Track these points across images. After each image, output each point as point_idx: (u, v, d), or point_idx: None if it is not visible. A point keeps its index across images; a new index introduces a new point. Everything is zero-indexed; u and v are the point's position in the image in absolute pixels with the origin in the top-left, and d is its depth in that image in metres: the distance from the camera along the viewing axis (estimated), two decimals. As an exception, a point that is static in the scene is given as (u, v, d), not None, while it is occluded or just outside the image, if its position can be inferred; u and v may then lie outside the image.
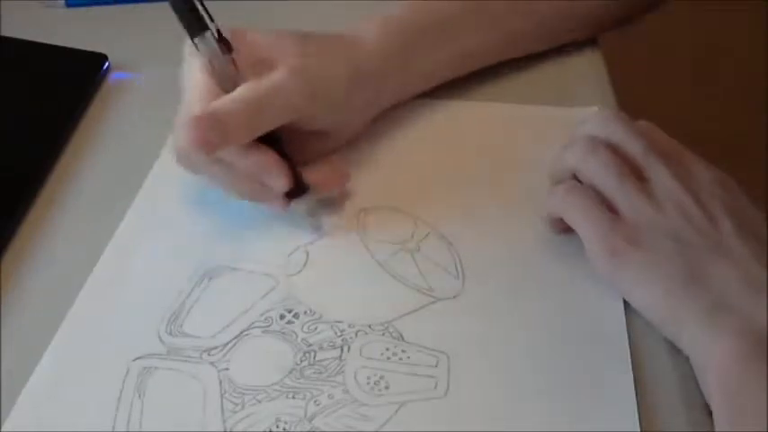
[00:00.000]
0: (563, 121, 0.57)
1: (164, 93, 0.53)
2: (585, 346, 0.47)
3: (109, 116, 0.61)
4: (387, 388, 0.46)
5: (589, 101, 0.59)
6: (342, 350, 0.47)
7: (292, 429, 0.44)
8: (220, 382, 0.46)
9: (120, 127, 0.61)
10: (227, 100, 0.49)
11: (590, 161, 0.49)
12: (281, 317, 0.49)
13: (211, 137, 0.47)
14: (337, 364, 0.47)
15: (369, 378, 0.46)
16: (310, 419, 0.45)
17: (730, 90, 1.35)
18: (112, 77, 0.63)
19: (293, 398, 0.45)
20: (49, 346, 0.48)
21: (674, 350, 0.46)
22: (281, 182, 0.50)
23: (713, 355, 0.43)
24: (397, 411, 0.45)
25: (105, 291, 0.50)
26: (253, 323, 0.49)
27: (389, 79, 0.57)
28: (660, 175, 0.48)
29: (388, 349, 0.47)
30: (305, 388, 0.46)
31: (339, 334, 0.48)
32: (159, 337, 0.48)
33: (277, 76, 0.50)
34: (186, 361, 0.47)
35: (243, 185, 0.51)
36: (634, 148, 0.49)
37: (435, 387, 0.46)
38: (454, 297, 0.50)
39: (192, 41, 0.50)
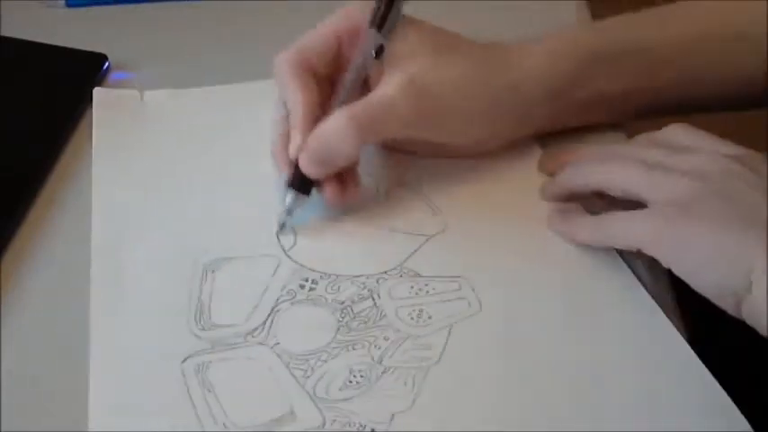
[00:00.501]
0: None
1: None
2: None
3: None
4: (430, 317, 0.49)
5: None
6: (373, 298, 0.50)
7: (368, 374, 0.46)
8: (279, 356, 0.47)
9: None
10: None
11: (610, 165, 0.49)
12: (302, 287, 0.51)
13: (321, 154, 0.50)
14: (376, 311, 0.50)
15: (410, 314, 0.49)
16: (380, 361, 0.47)
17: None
18: (112, 77, 0.62)
19: (354, 349, 0.48)
20: (90, 375, 0.46)
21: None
22: (294, 145, 0.51)
23: None
24: (450, 334, 0.49)
25: (115, 304, 0.49)
26: (278, 299, 0.50)
27: (532, 110, 0.54)
28: (690, 159, 0.48)
29: (412, 287, 0.51)
30: (359, 338, 0.48)
31: (363, 286, 0.51)
32: (195, 335, 0.48)
33: (390, 92, 0.50)
34: (235, 348, 0.48)
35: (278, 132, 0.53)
36: (654, 154, 0.49)
37: (470, 305, 0.50)
38: (443, 231, 0.54)
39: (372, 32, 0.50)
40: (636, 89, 0.56)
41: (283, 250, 0.52)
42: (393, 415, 0.45)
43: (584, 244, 0.51)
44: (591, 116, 0.57)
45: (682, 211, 0.45)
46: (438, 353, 0.48)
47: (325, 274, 0.51)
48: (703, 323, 0.51)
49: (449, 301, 0.50)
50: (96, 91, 0.60)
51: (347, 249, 0.53)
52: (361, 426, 0.44)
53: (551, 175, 0.55)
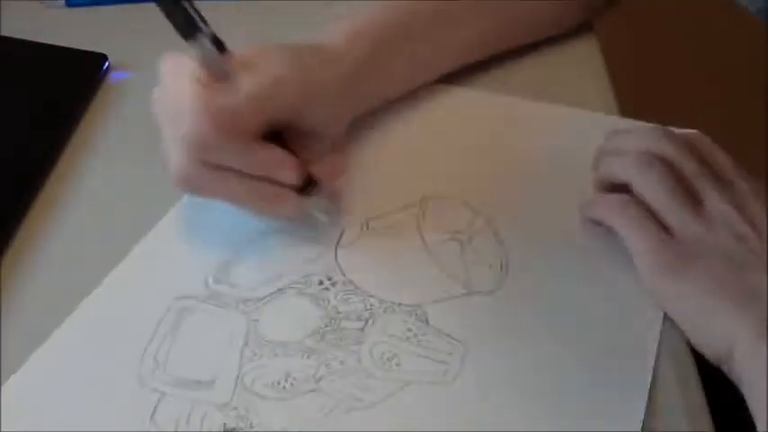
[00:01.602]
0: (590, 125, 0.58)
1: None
2: (609, 360, 0.46)
3: (109, 116, 0.62)
4: (398, 365, 0.47)
5: (586, 90, 0.61)
6: (366, 323, 0.49)
7: (298, 386, 0.46)
8: (247, 332, 0.49)
9: (119, 127, 0.61)
10: (231, 92, 0.49)
11: (646, 176, 0.50)
12: (320, 282, 0.51)
13: (224, 122, 0.48)
14: (358, 334, 0.48)
15: (383, 353, 0.47)
16: (317, 380, 0.46)
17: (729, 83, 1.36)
18: (112, 77, 0.63)
19: (308, 358, 0.47)
20: (106, 278, 0.52)
21: (675, 351, 0.47)
22: (294, 174, 0.50)
23: (764, 371, 0.43)
24: (401, 389, 0.46)
25: (162, 237, 0.54)
26: (291, 283, 0.51)
27: (363, 84, 0.56)
28: (712, 198, 0.49)
29: (410, 330, 0.48)
30: (321, 351, 0.48)
31: (368, 308, 0.49)
32: (205, 282, 0.51)
33: (275, 70, 0.50)
34: (221, 307, 0.50)
35: (254, 192, 0.50)
36: (688, 167, 0.50)
37: (445, 373, 0.46)
38: (490, 292, 0.50)
39: (188, 43, 0.48)
40: (447, 47, 0.60)
41: (336, 242, 0.53)
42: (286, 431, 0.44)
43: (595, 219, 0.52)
44: (419, 77, 0.61)
45: (684, 265, 0.47)
46: (373, 400, 0.45)
47: (349, 281, 0.51)
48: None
49: (428, 359, 0.47)
50: None
51: (391, 269, 0.51)
52: (251, 425, 0.45)
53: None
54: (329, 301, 0.50)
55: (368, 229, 0.54)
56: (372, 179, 0.56)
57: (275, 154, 0.50)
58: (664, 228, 0.49)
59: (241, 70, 0.49)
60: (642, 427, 0.44)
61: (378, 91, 0.59)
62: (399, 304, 0.50)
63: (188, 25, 0.47)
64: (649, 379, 0.46)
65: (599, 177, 0.53)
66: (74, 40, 0.64)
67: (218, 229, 0.54)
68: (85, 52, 0.64)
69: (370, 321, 0.49)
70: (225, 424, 0.45)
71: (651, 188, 0.50)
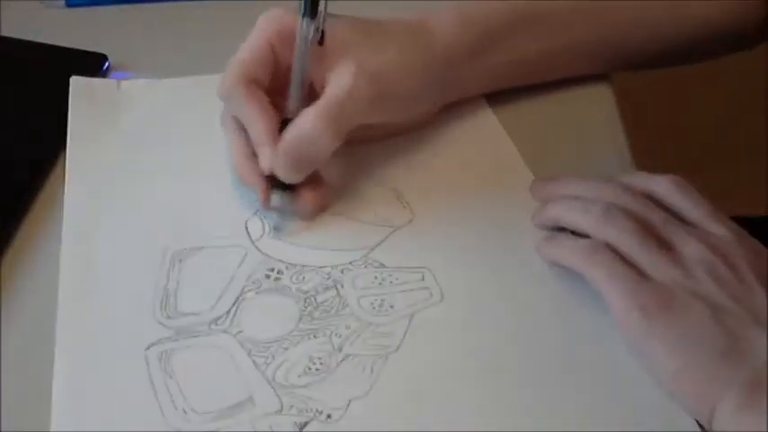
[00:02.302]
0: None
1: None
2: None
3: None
4: (392, 307, 0.50)
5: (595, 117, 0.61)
6: (336, 288, 0.51)
7: (327, 362, 0.47)
8: (241, 344, 0.48)
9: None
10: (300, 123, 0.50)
11: (608, 228, 0.48)
12: (267, 276, 0.51)
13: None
14: (339, 300, 0.50)
15: (372, 303, 0.50)
16: (339, 349, 0.48)
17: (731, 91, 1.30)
18: (112, 77, 0.62)
19: (315, 337, 0.49)
20: (56, 359, 0.47)
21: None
22: (266, 160, 0.51)
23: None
24: (410, 323, 0.49)
25: (83, 290, 0.50)
26: (243, 288, 0.51)
27: (464, 73, 0.56)
28: (685, 242, 0.47)
29: (376, 277, 0.52)
30: (321, 327, 0.49)
31: (327, 276, 0.52)
32: (160, 323, 0.49)
33: (346, 82, 0.51)
34: (198, 336, 0.49)
35: (242, 153, 0.52)
36: (655, 217, 0.48)
37: (431, 295, 0.51)
38: (410, 222, 0.55)
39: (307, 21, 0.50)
40: (550, 49, 0.58)
41: (251, 241, 0.53)
42: (350, 401, 0.46)
43: (569, 268, 0.50)
44: (512, 78, 0.59)
45: (660, 308, 0.45)
46: (398, 341, 0.49)
47: (291, 264, 0.52)
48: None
49: (411, 290, 0.51)
50: (73, 79, 0.60)
51: (313, 240, 0.54)
52: (317, 411, 0.45)
53: (542, 201, 0.54)
54: (290, 288, 0.51)
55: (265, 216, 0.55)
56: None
57: (264, 129, 0.51)
58: (638, 272, 0.46)
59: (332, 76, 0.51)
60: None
61: (462, 86, 0.58)
62: (350, 262, 0.52)
63: (313, 5, 0.49)
64: None
65: (550, 218, 0.52)
66: (74, 40, 0.63)
67: (129, 268, 0.52)
68: (85, 52, 0.63)
69: (339, 286, 0.51)
70: (295, 422, 0.45)
71: (620, 235, 0.47)
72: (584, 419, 0.46)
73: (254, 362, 0.47)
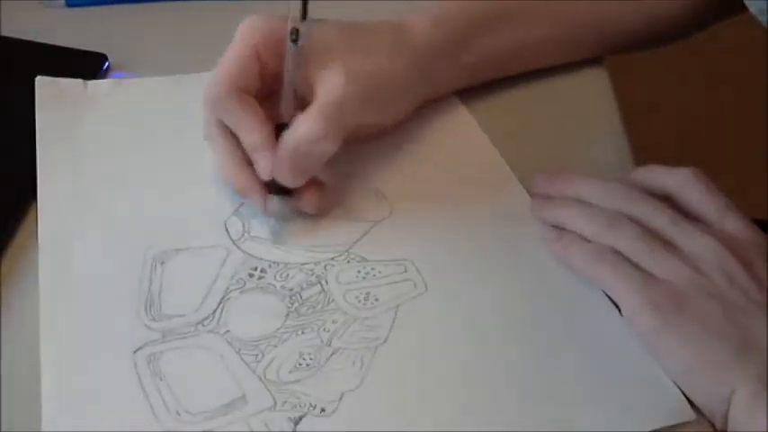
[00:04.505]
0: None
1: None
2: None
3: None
4: (377, 299, 0.51)
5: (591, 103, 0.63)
6: (321, 284, 0.51)
7: (317, 357, 0.48)
8: (230, 343, 0.48)
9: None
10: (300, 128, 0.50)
11: (613, 235, 0.49)
12: (251, 275, 0.52)
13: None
14: (324, 296, 0.51)
15: (357, 297, 0.51)
16: (328, 344, 0.48)
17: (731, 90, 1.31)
18: (112, 77, 0.62)
19: (303, 333, 0.49)
20: (42, 364, 0.46)
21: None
22: (265, 166, 0.51)
23: (763, 427, 0.42)
24: (396, 314, 0.50)
25: (65, 297, 0.50)
26: (228, 288, 0.51)
27: (439, 71, 0.58)
28: (694, 239, 0.47)
29: (359, 272, 0.52)
30: (308, 323, 0.49)
31: (311, 273, 0.52)
32: (146, 326, 0.49)
33: (340, 83, 0.51)
34: (185, 337, 0.48)
35: (235, 163, 0.52)
36: (660, 220, 0.49)
37: (415, 286, 0.51)
38: (389, 216, 0.55)
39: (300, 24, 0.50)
40: (519, 46, 0.60)
41: (232, 241, 0.53)
42: (342, 394, 0.46)
43: (576, 271, 0.50)
44: (486, 73, 0.61)
45: (674, 306, 0.45)
46: (385, 333, 0.49)
47: (274, 262, 0.52)
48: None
49: (395, 283, 0.52)
50: (38, 80, 0.60)
51: (296, 237, 0.54)
52: (311, 405, 0.46)
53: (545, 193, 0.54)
54: (275, 286, 0.51)
55: (244, 216, 0.55)
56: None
57: (261, 136, 0.51)
58: (647, 274, 0.47)
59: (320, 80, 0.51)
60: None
61: (445, 82, 0.59)
62: (332, 258, 0.53)
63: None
64: None
65: (554, 220, 0.52)
66: (73, 39, 0.63)
67: (109, 273, 0.51)
68: (85, 52, 0.63)
69: (323, 281, 0.51)
70: (289, 418, 0.45)
71: (625, 240, 0.48)
72: (572, 406, 0.46)
73: (243, 360, 0.47)
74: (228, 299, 0.50)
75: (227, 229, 0.54)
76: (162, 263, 0.52)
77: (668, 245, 0.48)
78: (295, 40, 0.50)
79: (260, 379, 0.47)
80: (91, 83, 0.61)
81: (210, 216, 0.54)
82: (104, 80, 0.61)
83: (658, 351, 0.46)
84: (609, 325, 0.49)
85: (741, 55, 1.24)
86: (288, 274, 0.52)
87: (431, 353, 0.48)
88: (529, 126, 0.62)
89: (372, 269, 0.52)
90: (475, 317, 0.50)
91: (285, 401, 0.46)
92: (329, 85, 0.51)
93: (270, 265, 0.52)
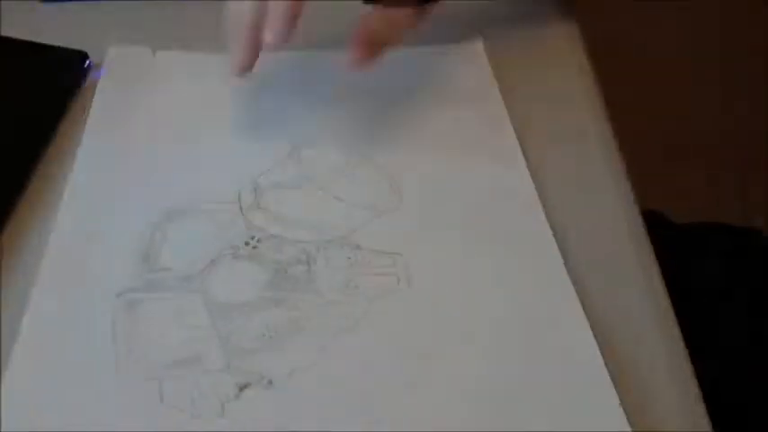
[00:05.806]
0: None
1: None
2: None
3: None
4: (356, 287, 0.52)
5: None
6: (309, 264, 0.53)
7: (282, 332, 0.49)
8: (205, 303, 0.50)
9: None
10: None
11: None
12: (246, 243, 0.54)
13: None
14: (307, 276, 0.52)
15: (339, 282, 0.52)
16: (296, 322, 0.50)
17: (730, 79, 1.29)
18: (94, 75, 0.63)
19: (276, 307, 0.50)
20: (32, 293, 0.50)
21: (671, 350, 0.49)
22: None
23: None
24: (370, 306, 0.51)
25: (74, 233, 0.53)
26: (221, 251, 0.53)
27: None
28: None
29: (349, 258, 0.53)
30: (284, 298, 0.51)
31: (303, 251, 0.53)
32: (136, 274, 0.52)
33: None
34: (167, 290, 0.51)
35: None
36: None
37: (398, 282, 0.52)
38: (397, 209, 0.56)
39: None
40: None
41: (240, 209, 0.56)
42: (293, 371, 0.47)
43: None
44: None
45: None
46: (353, 322, 0.50)
47: (272, 235, 0.54)
48: (699, 328, 0.52)
49: (378, 275, 0.52)
50: (111, 49, 0.64)
51: (299, 215, 0.55)
52: (261, 376, 0.47)
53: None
54: (265, 256, 0.53)
55: (259, 188, 0.57)
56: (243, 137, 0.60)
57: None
58: None
59: None
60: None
61: None
62: (328, 241, 0.54)
63: None
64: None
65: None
66: (53, 37, 0.63)
67: (121, 223, 0.54)
68: (66, 50, 0.63)
69: (312, 261, 0.53)
70: (237, 383, 0.47)
71: None
72: (543, 415, 0.46)
73: (213, 321, 0.50)
74: (219, 262, 0.53)
75: (239, 198, 0.56)
76: (170, 220, 0.55)
77: None
78: None
79: (221, 341, 0.49)
80: (159, 52, 0.65)
81: (227, 183, 0.57)
82: (173, 51, 0.65)
83: None
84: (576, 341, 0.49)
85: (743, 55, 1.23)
86: (281, 249, 0.53)
87: (393, 349, 0.49)
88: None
89: (363, 258, 0.53)
90: (448, 325, 0.50)
91: (238, 367, 0.48)
92: None
93: (267, 237, 0.54)
